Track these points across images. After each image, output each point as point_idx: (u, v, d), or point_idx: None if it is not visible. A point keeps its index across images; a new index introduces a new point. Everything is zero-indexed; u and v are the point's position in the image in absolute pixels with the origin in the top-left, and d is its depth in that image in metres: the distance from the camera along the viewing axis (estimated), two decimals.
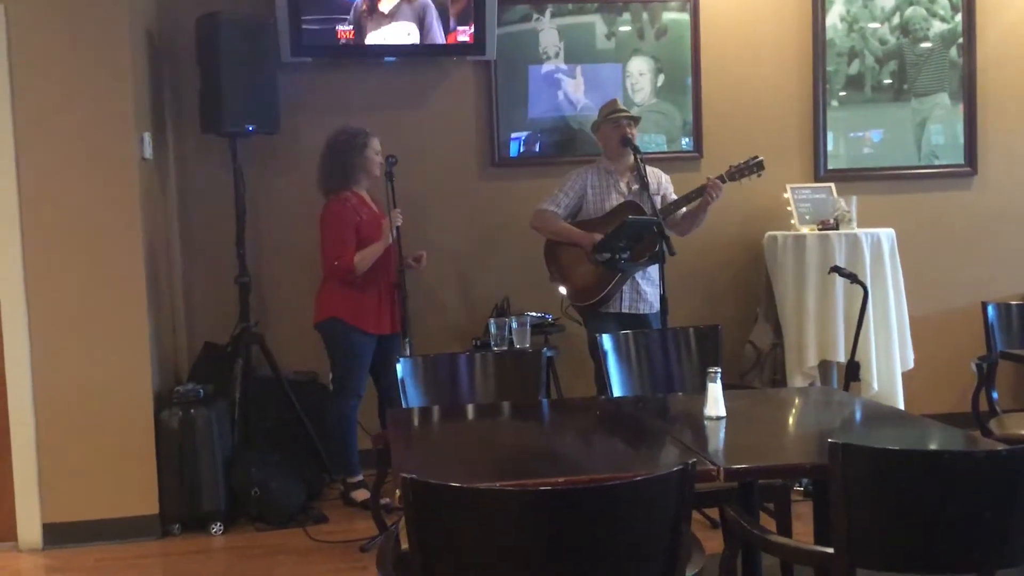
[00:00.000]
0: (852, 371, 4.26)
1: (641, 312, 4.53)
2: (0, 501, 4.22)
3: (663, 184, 4.67)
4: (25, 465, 4.18)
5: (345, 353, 4.45)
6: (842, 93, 5.46)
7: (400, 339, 4.49)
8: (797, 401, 3.33)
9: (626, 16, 5.28)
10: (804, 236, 4.94)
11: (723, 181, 4.46)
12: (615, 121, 4.56)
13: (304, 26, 4.77)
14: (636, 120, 4.63)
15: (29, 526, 4.19)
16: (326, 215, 4.45)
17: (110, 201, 4.20)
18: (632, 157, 4.52)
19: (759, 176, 4.53)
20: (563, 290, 4.59)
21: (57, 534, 4.19)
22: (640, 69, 5.31)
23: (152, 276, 4.39)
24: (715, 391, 2.71)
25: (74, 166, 4.17)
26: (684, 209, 4.55)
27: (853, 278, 4.19)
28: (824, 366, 4.93)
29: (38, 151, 4.15)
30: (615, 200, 4.55)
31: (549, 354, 4.42)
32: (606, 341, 3.42)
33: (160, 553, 4.14)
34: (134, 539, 4.21)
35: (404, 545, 1.95)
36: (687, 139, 5.36)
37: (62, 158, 4.16)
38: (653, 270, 4.48)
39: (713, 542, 3.06)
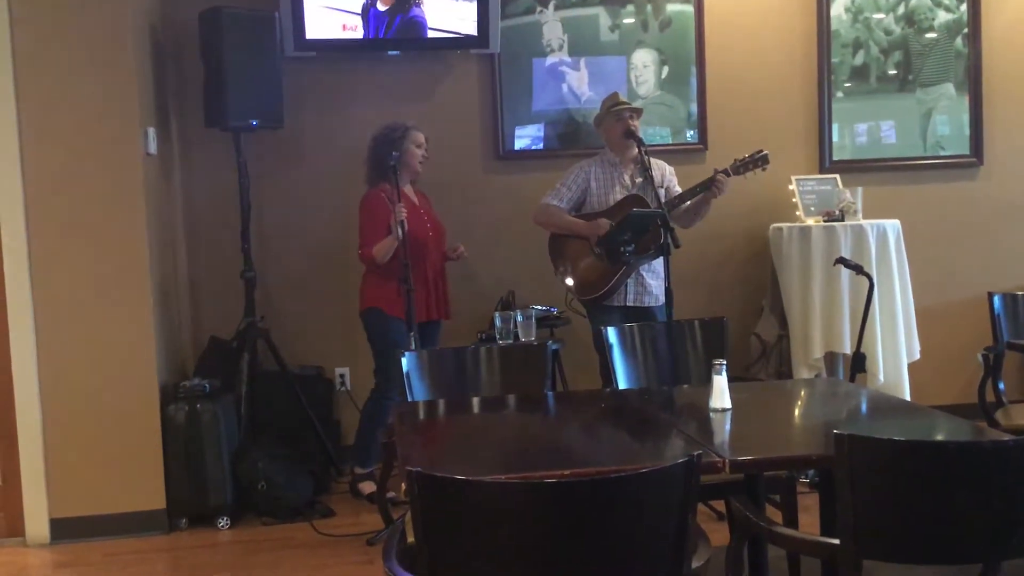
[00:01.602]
0: (858, 362, 4.25)
1: (646, 305, 4.52)
2: (7, 496, 4.24)
3: (667, 176, 4.66)
4: (32, 460, 4.19)
5: (385, 342, 4.46)
6: (847, 84, 5.44)
7: (440, 326, 4.61)
8: (803, 393, 3.32)
9: (630, 8, 5.27)
10: (809, 227, 4.93)
11: (727, 175, 4.45)
12: (617, 114, 4.55)
13: (307, 20, 4.77)
14: (638, 112, 4.62)
15: (36, 521, 4.21)
16: (360, 206, 4.53)
17: (114, 196, 4.20)
18: (636, 149, 4.51)
19: (763, 170, 4.52)
20: (569, 282, 4.60)
21: (64, 529, 4.21)
22: (644, 61, 5.30)
23: (157, 271, 4.39)
24: (720, 383, 2.70)
25: (78, 162, 4.17)
26: (688, 202, 4.54)
27: (859, 269, 4.18)
28: (830, 357, 4.92)
29: (42, 147, 4.15)
30: (619, 193, 4.54)
31: (554, 347, 4.41)
32: (611, 334, 3.42)
33: (167, 547, 4.15)
34: (141, 533, 4.22)
35: (410, 538, 1.95)
36: (692, 131, 5.35)
37: (66, 154, 4.16)
38: (657, 263, 4.48)
39: (719, 534, 3.06)
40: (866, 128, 5.48)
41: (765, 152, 4.48)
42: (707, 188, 4.43)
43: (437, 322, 4.63)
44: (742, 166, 4.48)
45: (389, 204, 4.41)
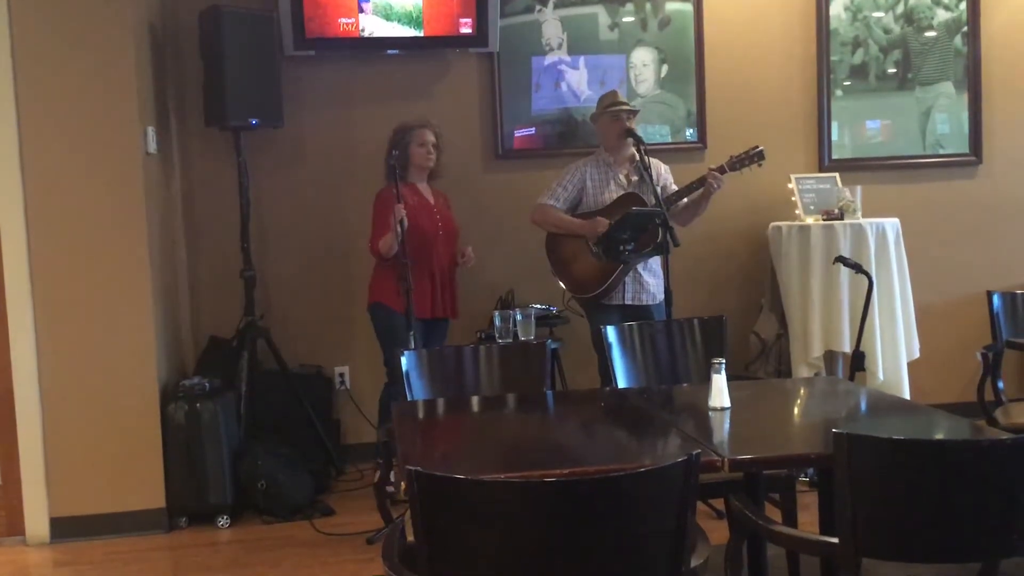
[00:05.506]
0: (857, 361, 4.25)
1: (644, 303, 4.53)
2: (8, 495, 4.24)
3: (663, 175, 4.66)
4: (32, 460, 4.19)
5: (391, 338, 4.47)
6: (846, 82, 5.44)
7: (447, 325, 4.64)
8: (802, 391, 3.32)
9: (629, 7, 5.27)
10: (809, 226, 4.93)
11: (723, 171, 4.46)
12: (614, 114, 4.54)
13: (306, 19, 4.77)
14: (635, 113, 4.62)
15: (37, 520, 4.21)
16: (374, 202, 4.56)
17: (114, 196, 4.20)
18: (631, 149, 4.51)
19: (760, 166, 4.52)
20: (562, 284, 4.60)
21: (64, 528, 4.21)
22: (643, 60, 5.30)
23: (157, 270, 4.39)
24: (719, 382, 2.71)
25: (78, 161, 4.17)
26: (685, 200, 4.54)
27: (858, 268, 4.18)
28: (829, 356, 4.93)
29: (42, 146, 4.15)
30: (614, 192, 4.54)
31: (554, 346, 4.42)
32: (610, 333, 3.42)
33: (167, 546, 4.15)
34: (141, 532, 4.22)
35: (410, 537, 1.95)
36: (691, 130, 5.35)
37: (66, 153, 4.17)
38: (654, 262, 4.49)
39: (718, 532, 3.06)
40: (865, 126, 5.48)
41: (761, 148, 4.49)
42: (702, 184, 4.44)
43: (444, 320, 4.63)
44: (738, 162, 4.49)
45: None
